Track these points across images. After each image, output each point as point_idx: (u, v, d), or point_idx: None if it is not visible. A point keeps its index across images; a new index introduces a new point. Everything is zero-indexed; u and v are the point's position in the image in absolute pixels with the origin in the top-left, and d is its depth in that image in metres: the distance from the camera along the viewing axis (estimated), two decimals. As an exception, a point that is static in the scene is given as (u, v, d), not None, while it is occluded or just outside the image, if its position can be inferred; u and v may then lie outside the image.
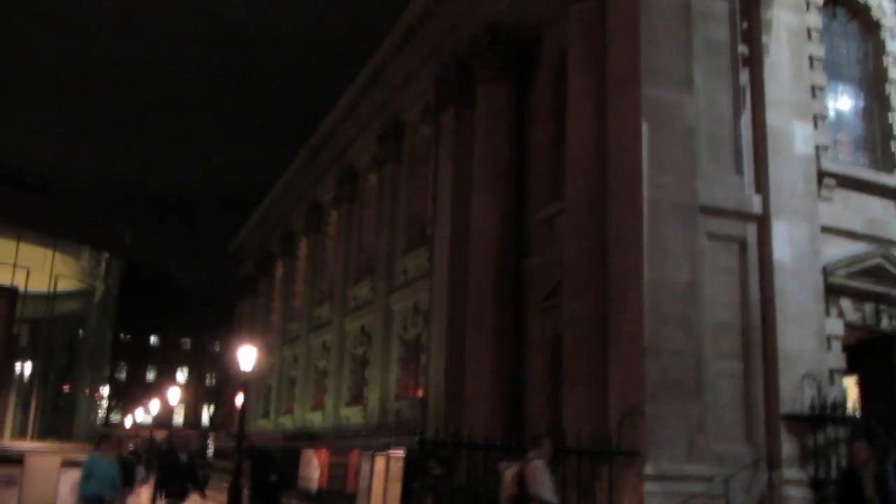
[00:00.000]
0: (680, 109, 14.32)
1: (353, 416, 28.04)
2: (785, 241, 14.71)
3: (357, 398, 28.72)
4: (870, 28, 17.28)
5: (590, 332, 15.03)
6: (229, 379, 48.20)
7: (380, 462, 13.08)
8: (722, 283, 14.39)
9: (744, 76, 15.44)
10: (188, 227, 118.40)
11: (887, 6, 17.26)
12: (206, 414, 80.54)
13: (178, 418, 78.79)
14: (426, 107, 24.81)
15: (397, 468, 12.45)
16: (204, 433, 51.29)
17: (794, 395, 14.13)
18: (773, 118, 15.14)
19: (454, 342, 20.58)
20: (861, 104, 17.08)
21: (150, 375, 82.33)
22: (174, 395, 40.06)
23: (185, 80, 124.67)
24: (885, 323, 15.51)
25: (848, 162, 16.31)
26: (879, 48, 17.16)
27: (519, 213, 19.95)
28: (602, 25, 16.10)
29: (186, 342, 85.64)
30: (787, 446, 13.95)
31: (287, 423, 36.48)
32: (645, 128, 13.94)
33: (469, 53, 21.29)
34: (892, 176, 16.39)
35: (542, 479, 9.86)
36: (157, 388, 77.61)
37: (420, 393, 23.54)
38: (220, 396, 76.85)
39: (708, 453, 13.32)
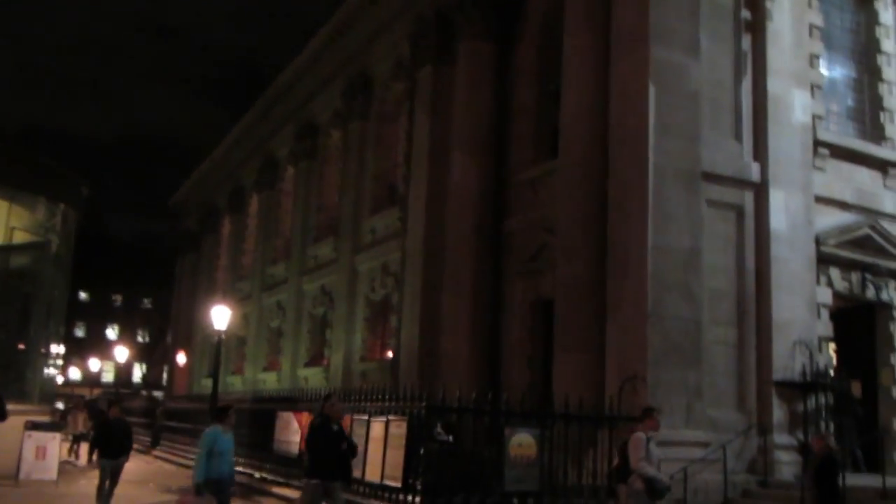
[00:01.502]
0: (686, 72, 14.09)
1: (312, 377, 27.54)
2: (781, 210, 14.71)
3: (316, 359, 28.22)
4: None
5: (584, 296, 14.83)
6: (175, 337, 46.95)
7: (377, 427, 12.66)
8: (719, 250, 14.33)
9: (745, 42, 15.27)
10: (109, 178, 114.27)
11: (880, -23, 17.27)
12: (138, 372, 78.70)
13: (109, 377, 77.00)
14: (398, 62, 24.11)
15: (399, 434, 12.07)
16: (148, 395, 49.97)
17: (786, 362, 14.24)
18: (773, 86, 15.05)
19: (429, 303, 20.25)
20: (852, 74, 17.14)
21: (80, 332, 79.99)
22: (122, 353, 38.86)
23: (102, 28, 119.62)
24: (870, 292, 15.71)
25: (839, 132, 16.36)
26: (873, 19, 17.21)
27: (499, 173, 19.58)
28: (601, -17, 15.74)
29: (117, 299, 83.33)
30: (778, 412, 14.08)
31: (236, 383, 35.77)
32: (652, 90, 13.66)
33: (451, 7, 20.66)
34: (881, 147, 16.54)
35: (641, 454, 9.69)
36: (89, 346, 75.78)
37: (389, 354, 23.21)
38: (152, 355, 75.28)
39: (704, 419, 13.33)
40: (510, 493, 11.53)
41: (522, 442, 11.87)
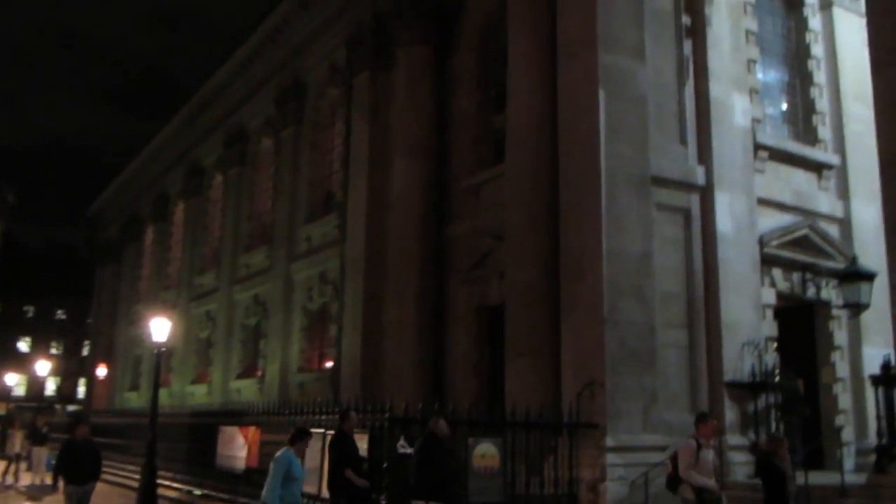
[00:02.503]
0: (633, 77, 14.15)
1: (245, 389, 26.86)
2: (726, 213, 14.92)
3: (249, 370, 27.54)
4: (794, 5, 17.74)
5: (536, 301, 14.76)
6: (94, 349, 45.27)
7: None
8: (669, 253, 14.44)
9: (687, 47, 15.46)
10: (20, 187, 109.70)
11: (811, -16, 17.75)
12: (51, 385, 75.67)
13: (21, 390, 73.96)
14: (333, 68, 23.74)
15: (360, 447, 11.77)
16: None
17: (735, 363, 14.44)
18: (715, 90, 15.27)
19: (371, 312, 19.98)
20: (785, 78, 17.53)
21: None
22: (44, 367, 37.24)
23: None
24: (810, 292, 16.08)
25: (775, 135, 16.71)
26: (802, 25, 17.64)
27: (441, 179, 19.41)
28: (544, -12, 15.73)
29: (30, 310, 80.00)
30: (730, 413, 14.25)
31: (162, 395, 34.56)
32: (602, 95, 13.68)
33: (388, 13, 20.42)
34: (815, 150, 16.95)
35: (690, 461, 9.40)
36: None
37: (328, 364, 22.77)
38: (67, 368, 72.54)
39: (660, 423, 13.38)
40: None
41: (485, 452, 11.66)
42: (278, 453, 9.33)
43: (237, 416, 16.46)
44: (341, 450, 10.53)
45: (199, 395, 29.90)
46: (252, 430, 15.38)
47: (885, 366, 12.22)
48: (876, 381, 12.55)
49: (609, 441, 12.65)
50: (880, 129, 12.70)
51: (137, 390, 38.30)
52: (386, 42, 20.96)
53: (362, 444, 11.67)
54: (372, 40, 21.12)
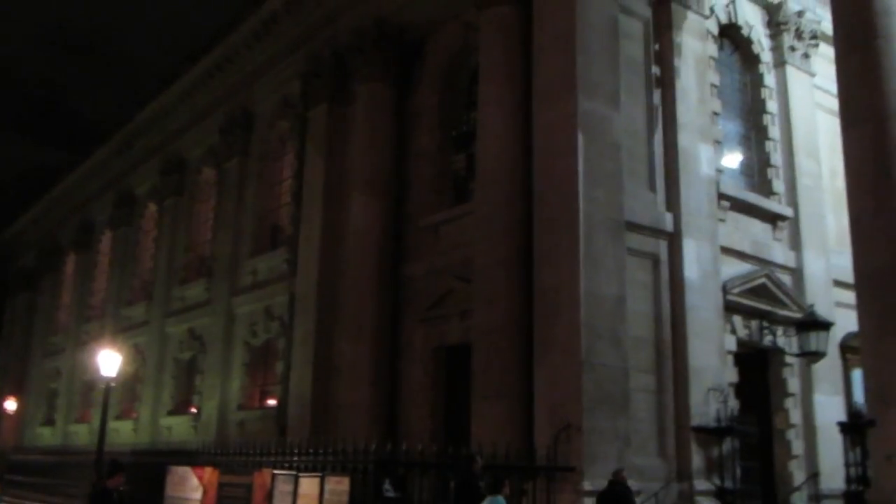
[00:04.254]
0: (609, 124, 14.37)
1: (177, 426, 25.83)
2: (693, 259, 15.19)
3: (182, 407, 26.51)
4: (750, 61, 18.38)
5: (505, 342, 14.68)
6: (3, 382, 42.89)
7: (307, 484, 11.82)
8: (639, 297, 14.58)
9: (656, 97, 15.80)
10: None
11: (765, 42, 18.44)
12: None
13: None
14: (285, 100, 23.40)
15: (339, 490, 11.32)
16: None
17: (702, 408, 14.61)
18: (683, 140, 15.63)
19: (323, 349, 19.54)
20: (742, 131, 18.09)
21: None
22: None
23: None
24: (767, 339, 16.46)
25: (734, 186, 17.16)
26: (758, 81, 18.28)
27: (398, 217, 19.23)
28: (520, 31, 15.90)
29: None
30: (697, 458, 14.37)
31: (81, 432, 33.05)
32: (581, 140, 13.81)
33: (349, 49, 20.28)
34: (770, 201, 17.48)
35: None
36: None
37: (271, 402, 22.12)
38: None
39: (632, 467, 13.35)
40: (458, 551, 11.05)
41: (467, 496, 11.45)
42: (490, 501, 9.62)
43: (188, 455, 15.71)
44: (466, 493, 10.31)
45: (125, 431, 28.57)
46: (209, 470, 14.70)
47: (856, 414, 12.54)
48: (845, 428, 12.88)
49: (586, 485, 12.57)
50: (850, 184, 13.19)
51: (52, 425, 36.40)
52: (344, 77, 20.81)
53: (342, 486, 11.29)
54: (330, 75, 20.93)
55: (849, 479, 12.59)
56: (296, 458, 12.42)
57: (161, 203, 30.23)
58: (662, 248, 15.18)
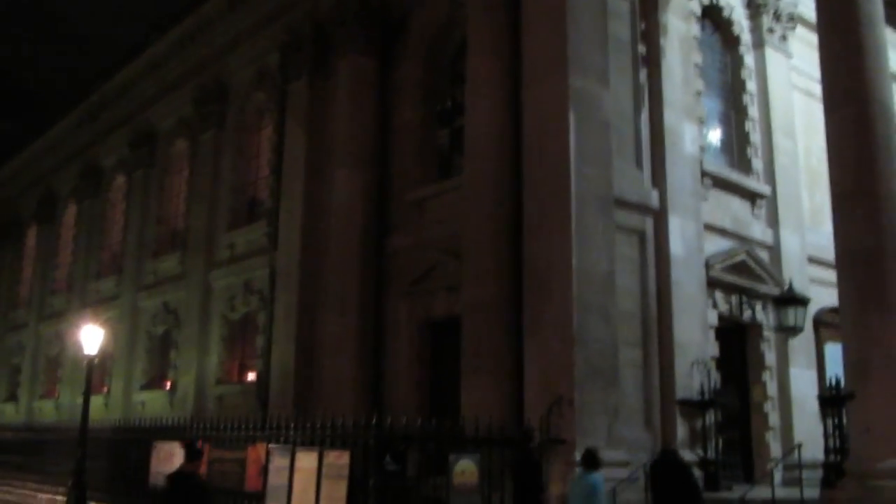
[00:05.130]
0: (599, 101, 14.51)
1: (151, 401, 25.69)
2: (678, 236, 15.50)
3: (156, 382, 26.36)
4: (731, 42, 18.65)
5: (495, 317, 14.86)
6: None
7: (305, 459, 11.92)
8: (626, 273, 14.84)
9: (642, 75, 15.99)
10: None
11: (745, 24, 18.73)
12: None
13: None
14: (262, 72, 23.19)
15: (338, 465, 11.42)
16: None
17: (686, 381, 14.99)
18: (668, 118, 15.86)
19: (306, 323, 19.57)
20: (722, 110, 18.40)
21: None
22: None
23: None
24: (746, 314, 16.89)
25: (715, 163, 17.48)
26: (738, 61, 18.57)
27: (382, 191, 19.25)
28: (507, 5, 15.95)
29: None
30: (681, 430, 14.76)
31: (46, 408, 32.69)
32: (572, 117, 13.96)
33: (331, 21, 20.15)
34: (749, 179, 17.85)
35: None
36: None
37: (250, 377, 22.12)
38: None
39: (620, 440, 13.69)
40: (457, 521, 11.30)
41: (465, 469, 11.67)
42: (595, 476, 10.40)
43: (173, 430, 15.64)
44: (526, 471, 11.07)
45: (96, 407, 27.84)
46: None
47: (836, 387, 12.98)
48: (824, 401, 13.34)
49: (578, 456, 12.82)
50: (833, 164, 13.55)
51: (15, 402, 35.88)
52: (325, 49, 20.68)
53: (341, 461, 11.41)
54: (311, 47, 20.77)
55: (827, 450, 13.06)
56: (292, 433, 12.46)
57: (130, 175, 29.81)
58: (649, 224, 15.45)
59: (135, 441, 16.81)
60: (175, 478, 9.46)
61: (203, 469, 14.24)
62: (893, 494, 11.40)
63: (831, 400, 13.01)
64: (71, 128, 34.12)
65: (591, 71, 14.55)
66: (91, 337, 15.97)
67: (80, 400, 29.73)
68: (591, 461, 10.59)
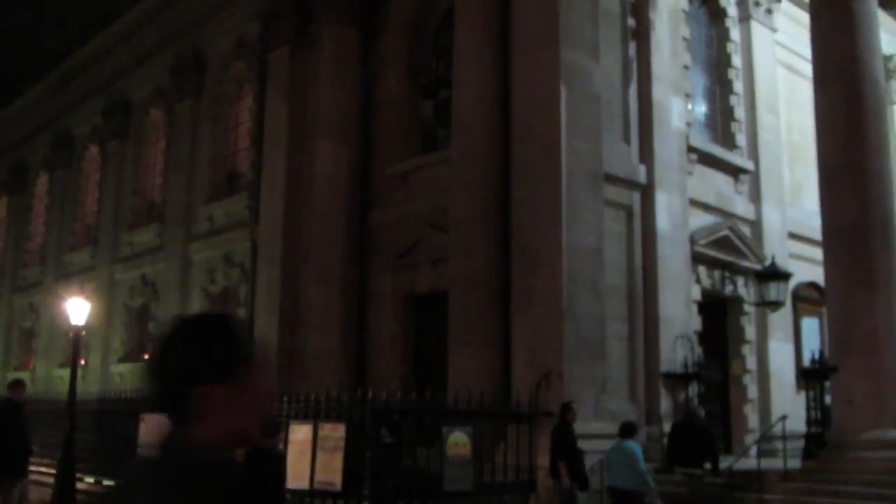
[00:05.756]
0: (590, 75, 14.50)
1: (128, 373, 25.47)
2: (664, 211, 15.60)
3: (134, 354, 26.12)
4: (717, 15, 18.66)
5: (483, 291, 14.88)
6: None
7: (299, 431, 11.91)
8: (613, 248, 14.92)
9: (631, 49, 15.98)
10: None
11: (732, -3, 18.76)
12: None
13: None
14: (241, 41, 22.87)
15: (334, 437, 11.44)
16: None
17: (670, 355, 15.16)
18: (657, 92, 15.89)
19: (289, 296, 19.47)
20: (707, 85, 18.45)
21: None
22: None
23: None
24: (728, 289, 17.07)
25: (700, 139, 17.55)
26: (724, 35, 18.60)
27: (366, 164, 19.12)
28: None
29: None
30: (665, 402, 14.96)
31: (24, 379, 32.21)
32: (563, 92, 13.92)
33: (314, -11, 19.84)
34: (733, 154, 17.96)
35: None
36: None
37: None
38: None
39: (607, 412, 13.84)
40: (450, 493, 11.37)
41: (458, 441, 11.74)
42: (631, 445, 11.18)
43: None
44: (560, 440, 11.44)
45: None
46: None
47: (819, 360, 13.17)
48: (807, 373, 13.54)
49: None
50: (821, 141, 13.66)
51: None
52: (307, 18, 20.40)
53: (337, 433, 11.42)
54: (293, 16, 20.47)
55: (809, 422, 13.27)
56: (286, 406, 12.42)
57: (103, 145, 29.33)
58: (636, 199, 15.53)
59: (122, 412, 16.63)
60: (253, 455, 8.25)
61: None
62: (875, 464, 11.64)
63: (814, 373, 13.21)
64: (42, 97, 33.44)
65: (581, 44, 14.51)
66: (77, 309, 15.72)
67: (56, 372, 29.80)
68: (629, 430, 11.54)
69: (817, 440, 13.06)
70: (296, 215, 19.72)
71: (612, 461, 11.35)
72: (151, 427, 15.48)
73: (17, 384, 11.99)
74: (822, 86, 13.61)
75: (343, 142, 18.86)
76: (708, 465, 12.19)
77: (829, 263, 13.29)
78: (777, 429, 15.69)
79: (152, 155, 27.20)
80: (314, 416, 11.84)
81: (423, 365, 17.49)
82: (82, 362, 27.95)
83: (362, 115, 19.22)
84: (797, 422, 15.77)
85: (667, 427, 14.71)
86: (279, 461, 8.26)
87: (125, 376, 25.51)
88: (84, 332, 28.25)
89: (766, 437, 16.66)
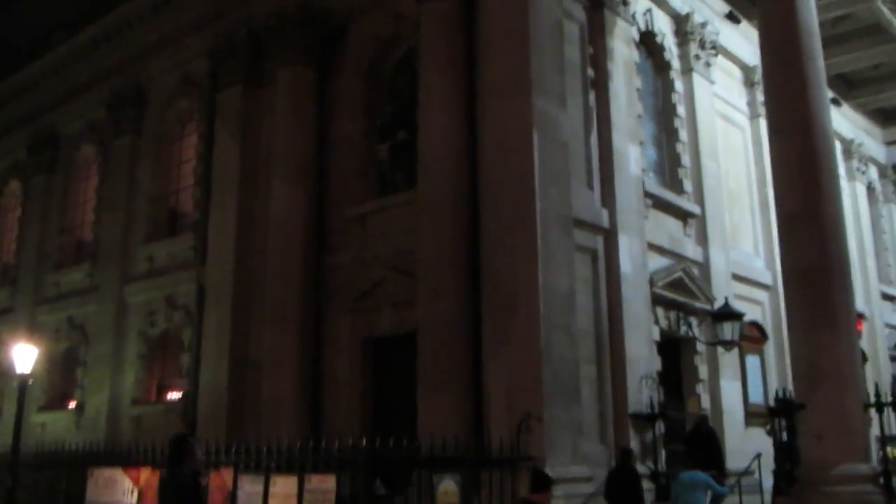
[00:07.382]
0: (559, 123, 14.85)
1: (52, 423, 24.20)
2: (627, 254, 16.01)
3: (57, 402, 24.88)
4: (662, 68, 19.43)
5: (454, 334, 14.90)
6: None
7: (283, 483, 11.56)
8: (581, 291, 15.17)
9: (591, 98, 16.46)
10: None
11: (675, 50, 19.56)
12: None
13: None
14: (187, 78, 22.43)
15: (322, 490, 11.14)
16: None
17: (637, 396, 15.47)
18: (616, 140, 16.39)
19: (239, 341, 19.02)
20: (654, 133, 19.13)
21: None
22: None
23: None
24: (683, 329, 17.59)
25: (653, 184, 18.14)
26: (669, 86, 19.37)
27: (321, 206, 18.96)
28: (460, 23, 16.11)
29: None
30: (634, 443, 15.18)
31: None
32: (536, 138, 14.21)
33: (269, 29, 19.72)
34: (681, 199, 18.62)
35: None
36: None
37: (171, 396, 21.27)
38: None
39: (582, 455, 13.99)
40: (441, 542, 11.27)
41: (447, 489, 11.67)
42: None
43: (120, 456, 14.84)
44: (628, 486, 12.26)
45: (-14, 430, 26.43)
46: (146, 471, 14.01)
47: (784, 399, 13.69)
48: (773, 411, 14.05)
49: (550, 473, 13.00)
50: (778, 188, 14.36)
51: None
52: (259, 57, 20.23)
53: (327, 484, 11.18)
54: (246, 54, 20.27)
55: (778, 459, 13.75)
56: (265, 458, 12.09)
57: (27, 181, 28.10)
58: (600, 243, 15.89)
59: (62, 466, 15.81)
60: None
61: (152, 497, 13.64)
62: (849, 498, 12.12)
63: (781, 410, 13.71)
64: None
65: (550, 92, 14.87)
66: (23, 355, 14.95)
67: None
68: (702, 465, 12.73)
69: (786, 477, 13.53)
70: (247, 257, 19.38)
71: (682, 489, 11.98)
72: (103, 483, 14.82)
73: None
74: (776, 135, 14.32)
75: (298, 182, 18.67)
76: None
77: (791, 304, 13.88)
78: (738, 466, 16.27)
79: (83, 192, 26.23)
80: (299, 468, 11.55)
81: (382, 410, 17.31)
82: (-1, 412, 26.57)
83: (318, 156, 19.10)
84: (746, 459, 16.42)
85: (640, 467, 15.05)
86: None
87: (48, 426, 24.27)
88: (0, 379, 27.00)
89: (726, 475, 17.15)
